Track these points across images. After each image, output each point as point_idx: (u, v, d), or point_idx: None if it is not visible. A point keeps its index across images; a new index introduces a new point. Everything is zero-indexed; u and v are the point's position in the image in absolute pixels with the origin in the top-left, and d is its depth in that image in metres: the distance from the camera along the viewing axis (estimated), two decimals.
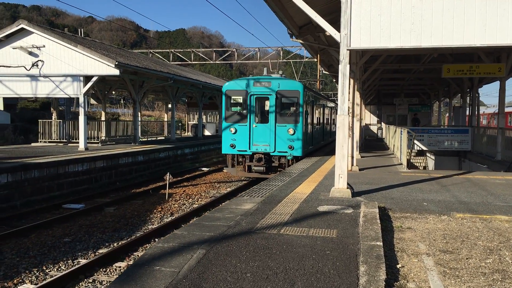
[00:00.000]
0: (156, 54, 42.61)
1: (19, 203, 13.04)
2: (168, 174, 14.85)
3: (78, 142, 20.19)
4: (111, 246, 9.41)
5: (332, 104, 26.50)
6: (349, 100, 14.34)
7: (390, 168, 14.21)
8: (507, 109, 27.59)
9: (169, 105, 32.78)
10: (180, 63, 42.13)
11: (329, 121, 25.85)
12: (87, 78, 18.86)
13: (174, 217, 12.11)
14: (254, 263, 4.83)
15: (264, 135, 16.10)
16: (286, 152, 15.94)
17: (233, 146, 16.33)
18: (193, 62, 43.97)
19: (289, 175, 12.01)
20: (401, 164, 14.73)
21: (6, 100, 33.81)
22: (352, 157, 13.20)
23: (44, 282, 7.20)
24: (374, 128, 34.87)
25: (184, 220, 11.46)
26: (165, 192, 14.99)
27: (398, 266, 5.15)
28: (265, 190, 9.53)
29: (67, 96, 19.96)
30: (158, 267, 4.72)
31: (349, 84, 13.35)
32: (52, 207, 13.04)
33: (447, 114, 38.77)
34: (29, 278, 7.56)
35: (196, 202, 14.27)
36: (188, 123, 41.17)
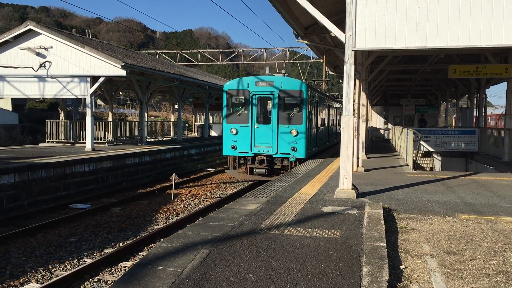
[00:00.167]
0: (163, 55, 42.77)
1: (26, 202, 13.15)
2: (174, 174, 14.90)
3: (85, 143, 20.31)
4: (117, 246, 9.47)
5: (338, 105, 26.13)
6: (354, 101, 14.36)
7: (396, 169, 14.17)
8: None
9: (176, 106, 32.88)
10: (186, 64, 42.26)
11: (335, 122, 25.40)
12: (94, 79, 18.97)
13: (179, 217, 12.16)
14: (257, 263, 4.85)
15: (266, 136, 15.70)
16: (289, 154, 15.52)
17: (234, 147, 15.92)
18: (200, 63, 44.09)
19: (294, 176, 12.02)
20: (407, 165, 14.68)
21: (14, 100, 34.07)
22: (358, 158, 13.19)
23: (50, 281, 7.26)
24: (380, 129, 34.78)
25: (189, 221, 11.49)
26: (171, 192, 15.05)
27: (401, 267, 5.14)
28: (270, 191, 9.54)
29: (74, 97, 20.10)
30: (162, 267, 4.75)
31: (355, 84, 13.35)
32: (58, 207, 13.14)
33: (455, 115, 38.56)
34: (35, 277, 7.62)
35: (201, 203, 14.31)
36: (194, 124, 41.27)
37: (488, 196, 9.27)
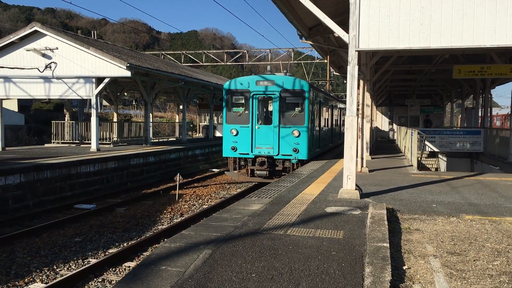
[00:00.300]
0: (168, 56, 42.88)
1: (32, 203, 13.22)
2: (178, 175, 14.94)
3: (90, 143, 20.39)
4: (121, 246, 9.51)
5: (342, 105, 25.91)
6: (358, 101, 14.35)
7: (400, 169, 14.14)
8: None
9: (181, 107, 32.98)
10: (191, 64, 42.36)
11: (339, 123, 25.04)
12: (99, 80, 19.06)
13: (184, 217, 12.19)
14: (259, 264, 4.86)
15: (267, 137, 15.27)
16: (291, 155, 15.08)
17: (234, 148, 15.50)
18: (205, 64, 44.19)
19: (298, 176, 12.02)
20: (412, 165, 14.64)
21: (20, 101, 34.30)
22: (362, 159, 13.16)
23: (55, 281, 7.30)
24: (385, 130, 34.69)
25: (194, 221, 11.50)
26: (176, 193, 15.09)
27: (404, 267, 5.13)
28: (274, 191, 9.55)
29: (80, 98, 20.20)
30: (164, 267, 4.77)
31: (359, 85, 13.34)
32: (64, 207, 13.22)
33: (460, 116, 38.44)
34: (40, 277, 7.67)
35: (206, 203, 14.34)
36: (199, 124, 41.35)
37: (492, 197, 9.23)
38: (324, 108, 19.19)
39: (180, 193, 15.31)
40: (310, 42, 16.46)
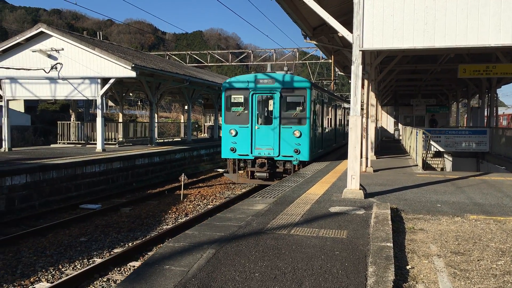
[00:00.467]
0: (173, 56, 42.97)
1: (38, 203, 13.31)
2: (183, 175, 14.97)
3: (96, 144, 20.49)
4: (126, 245, 9.55)
5: (347, 105, 25.71)
6: (363, 101, 14.33)
7: (405, 169, 14.10)
8: None
9: (186, 107, 33.06)
10: (196, 65, 42.42)
11: (343, 123, 24.53)
12: (105, 80, 19.14)
13: (188, 217, 12.22)
14: (262, 263, 4.87)
15: (268, 137, 14.77)
16: (292, 156, 14.57)
17: (233, 150, 15.05)
18: (210, 64, 44.23)
19: (302, 176, 12.02)
20: (417, 165, 14.60)
21: (26, 102, 34.51)
22: (367, 159, 13.15)
23: (60, 280, 7.35)
24: (390, 129, 34.59)
25: (198, 221, 11.51)
26: (180, 193, 15.13)
27: (408, 267, 5.13)
28: (278, 191, 9.56)
29: (85, 98, 20.30)
30: (168, 266, 4.79)
31: (363, 84, 13.34)
32: (69, 207, 13.30)
33: (466, 115, 38.27)
34: (45, 277, 7.72)
35: (210, 203, 14.37)
36: (204, 125, 41.42)
37: (497, 197, 9.19)
38: (327, 108, 18.76)
39: (185, 193, 15.35)
40: (315, 42, 16.43)
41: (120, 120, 27.64)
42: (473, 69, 15.06)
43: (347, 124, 25.43)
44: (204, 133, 40.08)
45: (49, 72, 19.06)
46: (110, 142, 22.73)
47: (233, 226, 6.39)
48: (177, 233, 10.16)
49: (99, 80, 19.10)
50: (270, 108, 15.05)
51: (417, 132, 15.25)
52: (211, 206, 13.82)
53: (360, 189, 8.72)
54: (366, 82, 13.99)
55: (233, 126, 15.07)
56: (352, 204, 8.08)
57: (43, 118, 35.57)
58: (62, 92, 19.58)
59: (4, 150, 19.58)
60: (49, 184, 13.79)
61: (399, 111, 35.65)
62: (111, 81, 19.05)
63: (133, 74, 18.63)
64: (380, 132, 29.35)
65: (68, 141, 23.75)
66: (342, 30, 8.77)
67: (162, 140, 29.14)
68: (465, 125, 38.56)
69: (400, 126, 33.38)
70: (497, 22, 7.97)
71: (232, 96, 15.23)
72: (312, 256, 5.08)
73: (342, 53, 19.60)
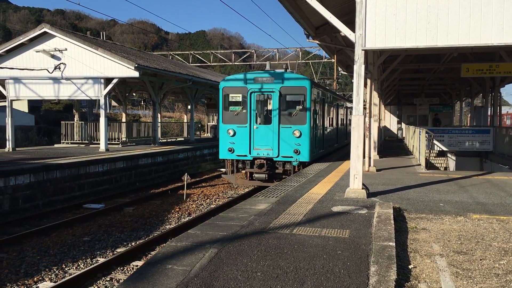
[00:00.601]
0: (176, 56, 43.02)
1: (41, 202, 13.36)
2: (186, 174, 15.00)
3: (99, 143, 20.53)
4: (129, 245, 9.58)
5: (350, 104, 25.52)
6: (365, 100, 14.30)
7: (408, 169, 14.08)
8: None
9: (189, 107, 33.09)
10: (199, 64, 42.46)
11: (345, 122, 24.10)
12: (108, 80, 19.19)
13: (191, 217, 12.25)
14: (265, 262, 4.88)
15: (267, 137, 14.34)
16: (292, 157, 14.14)
17: (231, 150, 14.65)
18: (213, 64, 44.27)
19: (305, 176, 12.02)
20: (420, 165, 14.58)
21: (30, 102, 34.61)
22: (370, 158, 13.14)
23: (63, 279, 7.38)
24: (394, 129, 34.54)
25: (201, 220, 11.52)
26: (184, 192, 15.15)
27: (410, 266, 5.13)
28: (280, 191, 9.57)
29: (89, 98, 20.36)
30: (171, 266, 4.80)
31: (366, 84, 13.31)
32: (73, 206, 13.34)
33: (470, 114, 38.17)
34: (49, 276, 7.75)
35: (213, 203, 14.38)
36: (207, 124, 41.45)
37: (501, 196, 9.17)
38: (328, 107, 18.31)
39: (188, 193, 15.37)
40: (317, 42, 16.43)
41: (123, 120, 27.68)
42: (476, 68, 15.01)
43: (350, 124, 25.38)
44: (207, 132, 40.10)
45: (52, 72, 19.12)
46: (113, 142, 22.78)
47: (235, 226, 6.40)
48: (180, 232, 10.18)
49: (102, 80, 19.15)
50: (269, 107, 14.67)
51: (420, 132, 15.22)
52: (214, 205, 13.84)
53: (362, 188, 8.72)
54: (369, 81, 13.97)
55: (231, 126, 14.71)
56: (355, 203, 8.08)
57: (46, 118, 35.69)
58: (66, 92, 19.65)
59: (8, 150, 19.66)
60: (53, 184, 13.84)
61: (402, 110, 35.59)
62: (114, 81, 19.10)
63: (136, 74, 18.67)
64: (383, 132, 29.33)
65: (72, 141, 23.83)
66: (344, 30, 8.77)
67: (165, 140, 29.17)
68: (468, 124, 38.48)
69: (403, 125, 33.35)
70: (500, 21, 7.95)
71: (230, 95, 14.86)
72: (314, 256, 5.09)
73: (345, 53, 19.60)
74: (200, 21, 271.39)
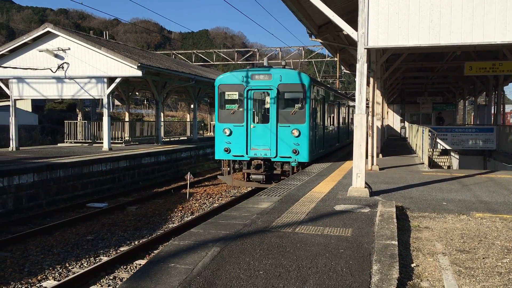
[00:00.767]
0: (179, 55, 43.07)
1: (45, 202, 13.40)
2: (189, 173, 15.01)
3: (102, 143, 20.59)
4: (132, 244, 9.60)
5: (352, 103, 25.29)
6: (368, 99, 14.29)
7: (411, 167, 14.07)
8: None
9: (192, 106, 33.13)
10: (202, 63, 42.51)
11: (346, 121, 23.53)
12: (111, 80, 19.23)
13: (194, 216, 12.26)
14: (267, 261, 4.89)
15: (264, 137, 13.82)
16: (290, 157, 13.63)
17: (227, 150, 14.14)
18: (215, 63, 44.32)
19: (308, 175, 12.02)
20: (423, 163, 14.57)
21: (34, 101, 34.71)
22: (373, 157, 13.13)
23: (67, 278, 7.40)
24: (397, 128, 34.48)
25: (204, 219, 11.52)
26: (186, 191, 15.17)
27: (412, 265, 5.13)
28: (283, 189, 9.57)
29: (92, 97, 20.42)
30: (173, 264, 4.82)
31: (369, 82, 13.30)
32: (76, 206, 13.37)
33: (473, 113, 38.07)
34: (53, 275, 7.78)
35: (216, 202, 14.40)
36: (210, 123, 41.48)
37: (504, 195, 9.16)
38: (329, 105, 17.76)
39: (191, 192, 15.39)
40: (320, 40, 16.41)
41: (127, 119, 27.75)
42: (480, 67, 14.97)
43: (352, 123, 25.16)
44: (210, 131, 40.14)
45: (55, 71, 19.17)
46: (116, 141, 22.83)
47: (238, 224, 6.41)
48: (183, 231, 10.18)
49: (105, 80, 19.19)
50: (267, 105, 14.10)
51: (423, 130, 15.20)
52: (217, 204, 13.85)
53: (365, 187, 8.72)
54: (371, 80, 13.94)
55: (227, 125, 14.20)
56: (357, 202, 8.08)
57: (50, 117, 35.80)
58: (69, 91, 19.69)
59: (12, 149, 19.73)
60: (56, 183, 13.88)
61: (405, 109, 35.52)
62: (117, 80, 19.13)
63: (139, 73, 18.70)
64: (386, 130, 29.29)
65: (75, 140, 23.89)
66: (347, 28, 8.76)
67: (168, 139, 29.24)
68: (472, 123, 38.39)
69: (406, 124, 33.27)
70: (503, 20, 7.93)
71: (226, 93, 14.35)
72: (316, 254, 5.09)
73: (348, 51, 19.56)
74: (203, 20, 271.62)
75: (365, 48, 8.51)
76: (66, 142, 23.95)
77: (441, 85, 33.29)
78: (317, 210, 7.45)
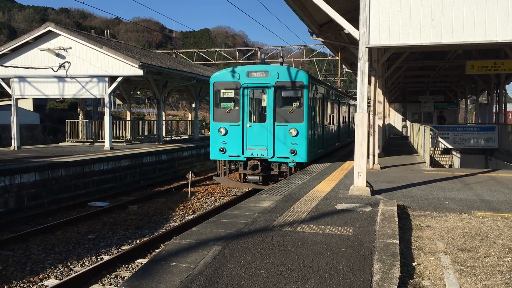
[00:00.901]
0: (181, 54, 43.07)
1: (47, 201, 13.43)
2: (190, 172, 15.01)
3: (103, 142, 20.61)
4: (134, 243, 9.62)
5: (354, 102, 25.12)
6: (369, 98, 14.27)
7: (412, 166, 14.06)
8: None
9: (193, 105, 33.12)
10: (203, 63, 42.49)
11: (347, 120, 23.05)
12: (112, 79, 19.24)
13: (196, 215, 12.28)
14: (268, 260, 4.89)
15: (261, 137, 13.41)
16: (288, 157, 13.21)
17: (223, 150, 13.70)
18: (217, 62, 44.28)
19: (310, 174, 12.02)
20: (424, 162, 14.55)
21: (35, 100, 34.70)
22: (374, 156, 13.12)
23: (69, 277, 7.42)
24: (398, 126, 34.46)
25: (205, 218, 11.51)
26: (188, 190, 15.17)
27: (414, 264, 5.13)
28: (284, 188, 9.58)
29: (93, 97, 20.43)
30: (175, 263, 4.82)
31: (370, 81, 13.29)
32: (78, 205, 13.40)
33: (475, 112, 38.04)
34: (54, 274, 7.80)
35: (217, 201, 14.41)
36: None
37: (506, 193, 9.15)
38: (329, 104, 17.34)
39: (192, 191, 15.40)
40: (321, 39, 16.39)
41: (128, 118, 27.76)
42: (481, 65, 14.92)
43: (353, 122, 25.00)
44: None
45: (57, 70, 19.20)
46: (118, 140, 22.86)
47: (239, 223, 6.41)
48: (184, 230, 10.19)
49: (106, 79, 19.20)
50: (264, 104, 13.68)
51: (424, 129, 15.19)
52: (218, 203, 13.86)
53: (366, 186, 8.72)
54: (373, 79, 13.93)
55: (222, 124, 13.75)
56: (359, 201, 8.07)
57: (51, 116, 35.81)
58: (70, 90, 19.72)
59: (14, 149, 19.76)
60: (58, 182, 13.91)
61: (407, 108, 35.50)
62: (119, 79, 19.14)
63: (140, 72, 18.72)
64: (388, 129, 29.28)
65: (77, 139, 23.92)
66: (348, 27, 8.75)
67: (170, 138, 29.25)
68: (473, 122, 38.34)
69: (408, 123, 33.25)
70: (504, 18, 7.91)
71: (221, 91, 13.91)
72: (318, 253, 5.10)
73: (349, 50, 19.54)
74: (204, 19, 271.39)
75: (366, 47, 8.50)
76: (68, 141, 23.98)
77: (443, 84, 33.24)
78: (318, 209, 7.45)
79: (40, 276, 7.64)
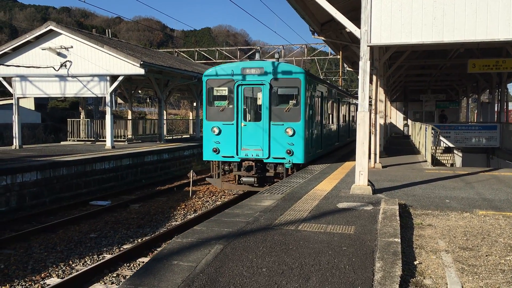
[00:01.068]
0: (182, 53, 43.08)
1: (48, 199, 13.44)
2: (192, 171, 15.02)
3: (105, 141, 20.62)
4: (135, 242, 9.63)
5: (355, 101, 24.51)
6: (371, 96, 14.25)
7: (414, 165, 14.05)
8: None
9: (194, 104, 33.13)
10: (205, 61, 42.50)
11: (347, 119, 22.55)
12: (114, 78, 19.24)
13: (197, 214, 12.28)
14: (270, 258, 4.89)
15: (256, 136, 12.89)
16: (284, 158, 12.69)
17: (216, 150, 13.21)
18: (218, 61, 44.21)
19: (311, 173, 12.02)
20: (426, 161, 14.54)
21: (37, 100, 34.82)
22: (375, 155, 13.10)
23: (70, 276, 7.43)
24: (400, 125, 34.42)
25: (207, 217, 11.50)
26: (189, 189, 15.18)
27: (415, 262, 5.13)
28: (286, 187, 9.58)
29: (94, 96, 20.45)
30: (176, 262, 4.83)
31: (371, 80, 13.28)
32: (79, 203, 13.41)
33: (476, 111, 37.98)
34: (56, 272, 7.81)
35: (219, 199, 14.42)
36: None
37: (507, 192, 9.14)
38: (328, 102, 16.83)
39: (194, 190, 15.40)
40: (323, 38, 16.38)
41: (129, 117, 27.78)
42: (483, 64, 14.90)
43: (353, 121, 24.62)
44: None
45: (58, 70, 19.20)
46: (119, 139, 22.89)
47: (241, 222, 6.42)
48: (186, 229, 10.19)
49: (108, 78, 19.21)
50: (259, 102, 13.07)
51: (426, 128, 15.17)
52: (220, 202, 13.87)
53: (368, 185, 8.72)
54: (374, 77, 13.91)
55: (216, 123, 13.23)
56: (360, 200, 8.07)
57: (53, 115, 35.89)
58: (72, 89, 19.73)
59: (15, 148, 19.78)
60: (60, 181, 13.92)
61: (408, 106, 35.46)
62: (120, 78, 19.15)
63: (141, 71, 18.72)
64: (389, 128, 29.24)
65: (78, 139, 23.96)
66: (349, 26, 8.75)
67: (171, 137, 29.24)
68: (475, 121, 38.29)
69: (409, 122, 33.22)
70: (506, 17, 7.90)
71: (215, 89, 13.38)
72: (319, 252, 5.10)
73: (351, 49, 19.51)
74: (205, 18, 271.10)
75: (368, 46, 8.49)
76: (69, 140, 24.01)
77: (444, 83, 33.21)
78: (320, 207, 7.45)
79: (42, 274, 7.66)
